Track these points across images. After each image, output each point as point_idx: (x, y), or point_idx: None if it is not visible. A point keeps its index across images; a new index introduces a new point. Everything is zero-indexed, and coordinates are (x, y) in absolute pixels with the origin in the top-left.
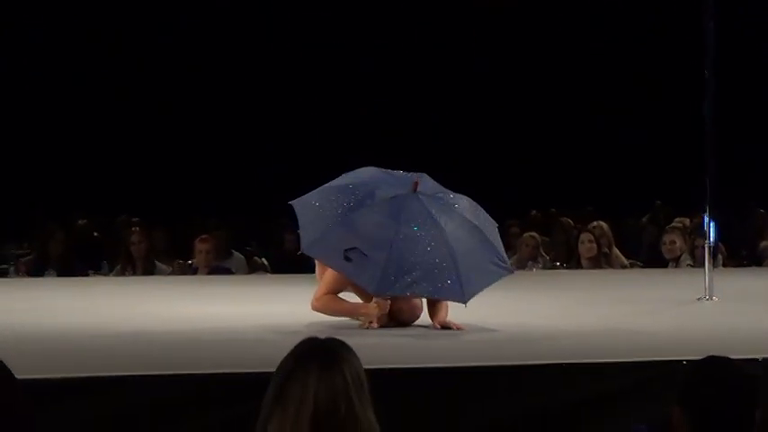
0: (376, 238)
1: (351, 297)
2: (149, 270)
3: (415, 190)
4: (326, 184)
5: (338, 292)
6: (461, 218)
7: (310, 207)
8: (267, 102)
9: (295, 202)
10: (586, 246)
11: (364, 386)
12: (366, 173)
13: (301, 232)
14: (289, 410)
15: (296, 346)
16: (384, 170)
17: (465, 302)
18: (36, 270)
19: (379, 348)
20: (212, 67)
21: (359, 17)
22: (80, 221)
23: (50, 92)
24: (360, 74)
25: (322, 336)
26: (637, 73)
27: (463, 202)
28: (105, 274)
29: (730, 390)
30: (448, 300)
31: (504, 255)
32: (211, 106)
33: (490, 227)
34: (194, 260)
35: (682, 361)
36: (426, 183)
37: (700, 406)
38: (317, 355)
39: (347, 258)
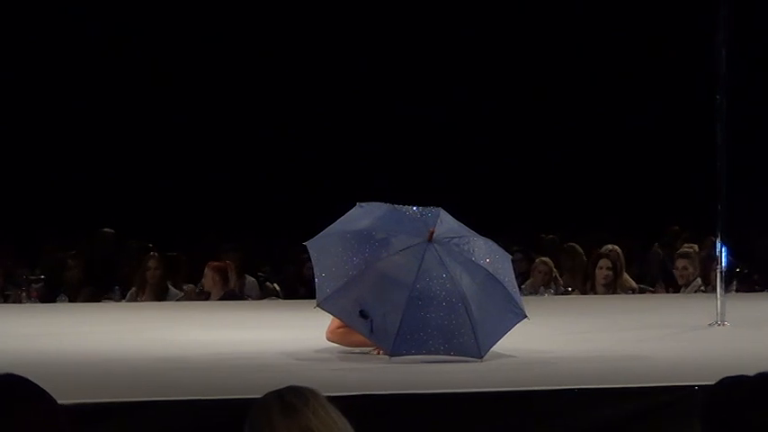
0: (390, 297)
1: None
2: (162, 295)
3: (430, 239)
4: (341, 223)
5: None
6: (476, 267)
7: (326, 253)
8: (284, 127)
9: (310, 244)
10: (603, 272)
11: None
12: (381, 214)
13: (317, 281)
14: None
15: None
16: (399, 209)
17: (481, 358)
18: (48, 296)
19: (392, 373)
20: (225, 88)
21: (392, 50)
22: (92, 246)
23: (61, 112)
24: (372, 100)
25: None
26: (651, 93)
27: (477, 246)
28: (117, 300)
29: (754, 408)
30: (464, 356)
31: (519, 298)
32: (229, 132)
33: (505, 267)
34: (203, 284)
35: (694, 386)
36: (442, 224)
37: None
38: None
39: (363, 316)
